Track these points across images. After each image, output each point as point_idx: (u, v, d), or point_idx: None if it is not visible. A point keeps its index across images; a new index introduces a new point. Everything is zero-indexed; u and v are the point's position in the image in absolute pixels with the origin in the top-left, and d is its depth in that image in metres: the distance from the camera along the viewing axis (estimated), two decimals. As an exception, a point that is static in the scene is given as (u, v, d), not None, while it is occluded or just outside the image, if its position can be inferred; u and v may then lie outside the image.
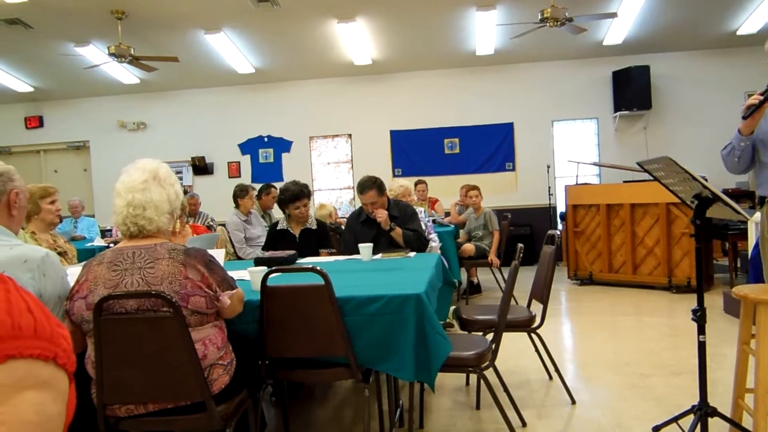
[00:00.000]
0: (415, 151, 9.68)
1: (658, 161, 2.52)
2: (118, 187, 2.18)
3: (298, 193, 4.36)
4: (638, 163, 2.63)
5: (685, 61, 9.14)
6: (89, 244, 6.66)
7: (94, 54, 8.12)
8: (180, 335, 2.00)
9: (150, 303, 2.03)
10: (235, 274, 2.44)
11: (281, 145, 9.96)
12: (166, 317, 2.00)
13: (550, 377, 3.73)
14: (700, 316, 2.46)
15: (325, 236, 4.51)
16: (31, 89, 9.62)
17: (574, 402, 3.34)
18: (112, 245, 6.07)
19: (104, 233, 8.24)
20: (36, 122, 10.26)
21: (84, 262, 2.22)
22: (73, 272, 2.27)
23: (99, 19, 7.25)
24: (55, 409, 0.87)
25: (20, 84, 9.39)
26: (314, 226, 4.46)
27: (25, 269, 1.92)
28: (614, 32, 8.34)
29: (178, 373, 2.05)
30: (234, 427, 2.20)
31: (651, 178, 2.71)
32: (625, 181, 7.92)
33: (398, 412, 3.09)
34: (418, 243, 4.19)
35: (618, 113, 9.16)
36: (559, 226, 8.78)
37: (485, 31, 8.14)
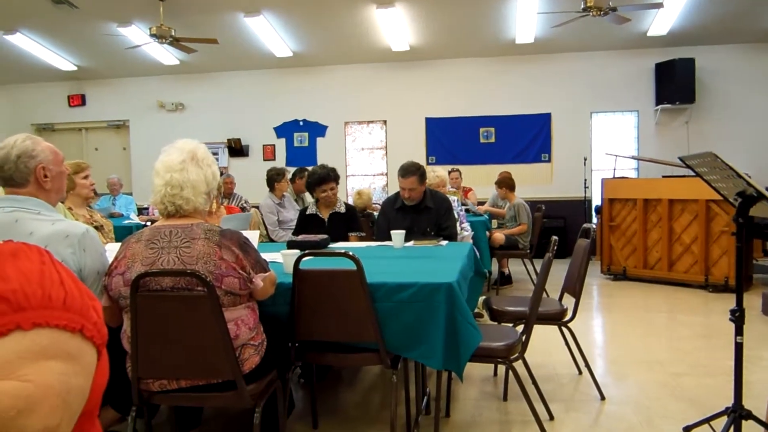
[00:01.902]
0: (450, 139, 9.61)
1: (701, 156, 2.46)
2: (157, 167, 2.21)
3: (325, 177, 4.36)
4: (680, 158, 2.56)
5: (732, 55, 8.86)
6: (126, 221, 6.80)
7: (136, 34, 8.24)
8: (213, 314, 2.03)
9: (185, 282, 2.06)
10: (267, 257, 2.47)
11: (316, 130, 9.99)
12: (200, 296, 2.03)
13: (580, 372, 3.69)
14: (738, 317, 2.41)
15: (354, 220, 4.51)
16: (75, 68, 9.81)
17: (603, 398, 3.30)
18: (148, 223, 6.20)
19: (141, 211, 8.41)
20: (78, 100, 10.47)
21: (124, 239, 2.27)
22: (112, 249, 2.32)
23: (142, 0, 7.35)
24: (76, 382, 0.89)
25: (65, 63, 9.58)
26: (342, 210, 4.47)
27: (66, 244, 1.97)
28: (659, 23, 8.12)
29: (210, 352, 2.09)
30: (262, 406, 2.23)
31: (691, 173, 2.64)
32: (664, 176, 7.75)
33: (425, 400, 3.10)
34: None
35: (659, 106, 8.94)
36: (594, 220, 8.65)
37: (526, 20, 8.01)
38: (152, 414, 2.79)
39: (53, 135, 10.44)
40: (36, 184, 2.10)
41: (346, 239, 4.34)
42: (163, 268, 2.07)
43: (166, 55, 9.25)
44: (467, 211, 6.35)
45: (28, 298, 0.89)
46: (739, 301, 2.42)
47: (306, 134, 10.01)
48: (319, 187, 4.36)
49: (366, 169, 10.09)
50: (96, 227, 3.51)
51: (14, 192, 2.07)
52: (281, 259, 2.80)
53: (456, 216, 4.78)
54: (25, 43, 8.78)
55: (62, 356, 0.89)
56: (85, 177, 3.55)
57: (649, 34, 8.46)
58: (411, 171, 4.18)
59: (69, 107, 10.51)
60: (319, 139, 10.00)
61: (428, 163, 9.37)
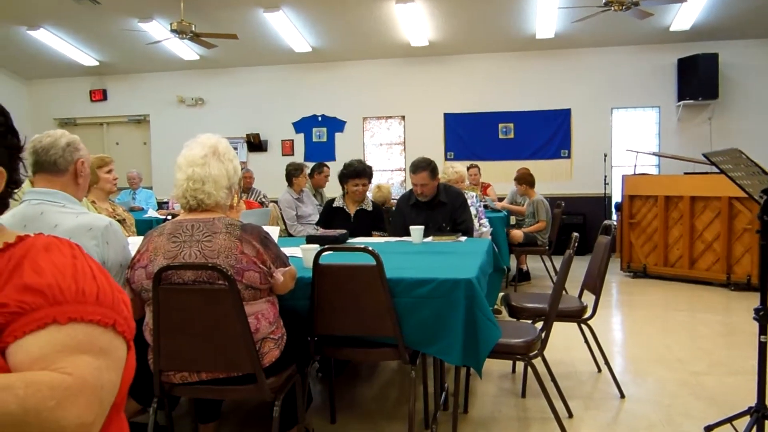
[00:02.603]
0: (469, 134, 9.57)
1: (725, 153, 2.43)
2: (180, 161, 2.23)
3: (361, 171, 4.43)
4: (704, 155, 2.53)
5: (756, 50, 8.70)
6: (146, 215, 6.87)
7: (157, 30, 8.31)
8: (234, 308, 2.05)
9: (206, 275, 2.08)
10: (287, 251, 2.48)
11: (335, 125, 10.01)
12: (221, 290, 2.05)
13: (599, 369, 3.67)
14: (762, 316, 2.37)
15: (380, 219, 4.53)
16: (97, 63, 9.91)
17: (623, 396, 3.28)
18: (169, 217, 6.26)
19: (161, 205, 8.49)
20: (100, 95, 10.58)
21: (146, 233, 2.29)
22: (135, 242, 2.35)
23: (163, -5, 7.41)
24: (108, 376, 0.90)
25: (87, 58, 9.69)
26: (370, 208, 4.48)
27: (90, 237, 2.00)
28: (682, 17, 8.00)
29: (230, 345, 2.11)
30: (282, 400, 2.24)
31: (714, 170, 2.61)
32: (685, 173, 7.65)
33: (443, 396, 3.10)
34: None
35: (682, 102, 8.82)
36: (614, 217, 8.57)
37: (546, 15, 7.94)
38: (173, 406, 2.83)
39: (75, 129, 10.51)
40: (73, 175, 2.17)
41: (370, 236, 4.35)
42: (184, 261, 2.09)
43: (186, 51, 9.32)
44: (486, 207, 6.32)
45: (63, 293, 0.90)
46: (764, 300, 2.39)
47: (324, 129, 10.03)
48: (352, 180, 4.42)
49: (384, 165, 10.09)
50: (119, 221, 3.55)
51: (50, 180, 2.12)
52: (300, 253, 2.81)
53: (474, 212, 4.77)
54: (49, 38, 8.89)
55: (95, 351, 0.90)
56: (109, 171, 3.59)
57: (671, 29, 8.35)
58: (422, 166, 4.17)
59: (90, 102, 10.63)
60: (337, 135, 10.01)
61: (446, 159, 9.34)
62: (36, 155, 2.13)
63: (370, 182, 4.50)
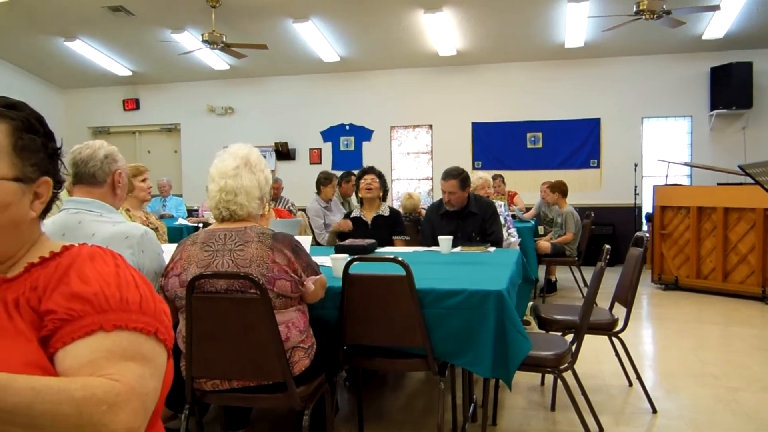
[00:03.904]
0: (497, 144, 9.53)
1: (763, 165, 2.38)
2: (212, 172, 2.26)
3: (367, 169, 4.56)
4: (740, 167, 2.49)
5: (792, 58, 8.53)
6: (177, 223, 6.97)
7: (189, 41, 8.45)
8: (265, 317, 2.07)
9: (238, 284, 2.10)
10: (316, 261, 2.49)
11: (362, 134, 10.05)
12: (253, 299, 2.07)
13: (630, 383, 3.61)
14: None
15: (398, 223, 4.53)
16: (130, 73, 10.12)
17: (655, 411, 3.22)
18: (200, 225, 6.34)
19: (191, 212, 8.60)
20: (133, 104, 10.79)
21: (180, 242, 2.32)
22: (167, 249, 2.39)
23: (195, 7, 7.54)
24: (151, 384, 0.92)
25: (120, 68, 9.90)
26: (386, 213, 4.49)
27: (126, 245, 2.04)
28: (715, 25, 7.88)
29: (261, 353, 2.12)
30: (311, 409, 2.25)
31: (748, 181, 2.56)
32: (719, 183, 7.51)
33: (472, 407, 3.08)
34: None
35: (714, 112, 8.66)
36: (644, 227, 8.44)
37: (576, 24, 7.89)
38: (203, 412, 2.86)
39: (108, 138, 10.70)
40: (111, 186, 2.22)
41: (390, 242, 4.36)
42: (217, 270, 2.12)
43: (217, 60, 9.46)
44: (513, 217, 6.28)
45: (108, 301, 0.92)
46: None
47: (352, 138, 10.08)
48: (363, 179, 4.49)
49: (411, 174, 10.10)
50: (152, 229, 3.61)
51: (88, 191, 2.17)
52: (329, 262, 2.83)
53: (503, 221, 4.74)
54: (84, 49, 9.11)
55: (139, 358, 0.92)
56: (143, 180, 3.66)
57: (704, 37, 8.22)
58: (453, 174, 4.17)
59: (124, 111, 10.84)
60: (365, 144, 10.05)
61: (474, 168, 9.31)
62: (76, 167, 2.18)
63: (379, 180, 4.51)
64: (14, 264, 1.00)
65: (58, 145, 1.07)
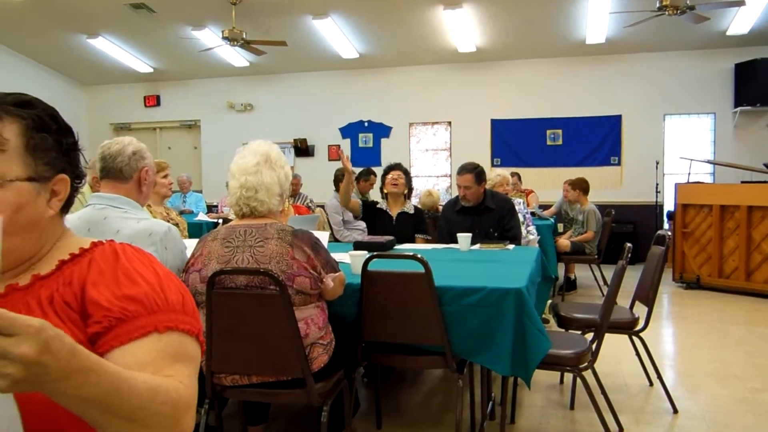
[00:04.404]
0: (516, 141, 9.47)
1: (789, 163, 2.34)
2: (233, 169, 2.28)
3: (394, 165, 4.63)
4: (766, 164, 2.45)
5: (819, 54, 8.37)
6: (196, 219, 7.02)
7: (209, 37, 8.50)
8: (284, 313, 2.08)
9: (258, 280, 2.12)
10: (334, 257, 2.50)
11: (381, 131, 10.04)
12: (272, 295, 2.08)
13: (651, 383, 3.57)
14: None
15: (422, 222, 4.55)
16: (151, 70, 10.21)
17: (676, 411, 3.18)
18: (219, 221, 6.39)
19: (210, 208, 8.66)
20: (154, 101, 10.89)
21: (200, 238, 2.34)
22: (188, 245, 2.41)
23: (216, 4, 7.58)
24: (193, 384, 0.93)
25: (142, 65, 9.99)
26: (411, 211, 4.51)
27: (149, 242, 2.06)
28: (740, 21, 7.75)
29: (280, 349, 2.14)
30: (330, 405, 2.26)
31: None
32: (742, 182, 7.39)
33: (490, 405, 3.07)
34: None
35: (738, 108, 8.52)
36: (666, 226, 8.34)
37: (597, 20, 7.80)
38: (222, 407, 2.88)
39: (129, 134, 10.88)
40: (137, 182, 2.25)
41: (412, 240, 4.37)
42: (237, 266, 2.13)
43: (237, 57, 9.50)
44: (533, 214, 6.25)
45: (156, 302, 0.93)
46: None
47: (371, 135, 10.07)
48: (388, 175, 4.55)
49: (430, 170, 10.07)
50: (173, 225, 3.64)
51: (115, 186, 2.20)
52: (348, 259, 2.83)
53: (522, 219, 4.72)
54: (106, 46, 9.20)
55: (186, 359, 0.93)
56: (165, 176, 3.69)
57: (728, 33, 8.08)
58: (467, 169, 4.17)
59: (144, 107, 10.94)
60: (383, 140, 10.04)
61: (493, 165, 9.26)
62: (104, 161, 2.21)
63: (405, 176, 4.54)
64: (39, 261, 1.00)
65: (76, 138, 1.05)
